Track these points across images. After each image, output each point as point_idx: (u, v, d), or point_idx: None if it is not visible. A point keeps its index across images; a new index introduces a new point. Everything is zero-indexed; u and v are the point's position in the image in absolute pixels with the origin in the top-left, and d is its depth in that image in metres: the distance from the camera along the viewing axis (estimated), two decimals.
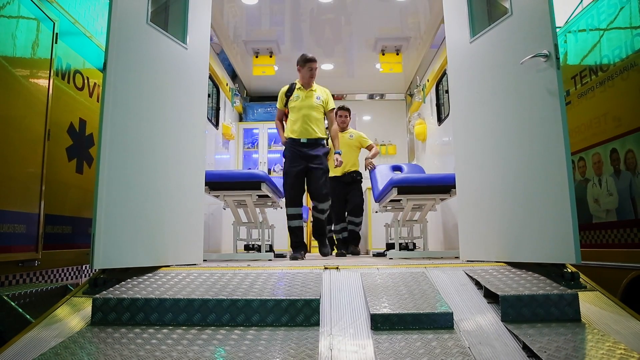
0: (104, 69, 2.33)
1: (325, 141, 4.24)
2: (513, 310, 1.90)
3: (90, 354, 1.64)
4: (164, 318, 1.93)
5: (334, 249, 5.37)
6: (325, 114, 4.24)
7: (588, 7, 3.93)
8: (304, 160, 4.05)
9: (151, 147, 2.62)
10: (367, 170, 5.13)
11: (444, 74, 5.10)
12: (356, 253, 4.99)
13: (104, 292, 2.09)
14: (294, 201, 4.12)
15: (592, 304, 2.04)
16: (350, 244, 5.09)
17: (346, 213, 5.19)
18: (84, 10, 9.18)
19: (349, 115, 5.27)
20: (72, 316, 2.04)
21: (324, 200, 4.13)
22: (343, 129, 5.14)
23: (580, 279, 2.24)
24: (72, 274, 4.34)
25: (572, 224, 2.15)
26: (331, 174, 4.87)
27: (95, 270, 2.33)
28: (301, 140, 4.05)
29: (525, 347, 1.67)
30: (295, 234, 4.14)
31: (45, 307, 2.93)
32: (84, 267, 4.50)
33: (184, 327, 1.88)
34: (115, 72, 2.37)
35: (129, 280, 2.28)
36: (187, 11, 2.96)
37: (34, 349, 1.79)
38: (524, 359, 1.62)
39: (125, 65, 2.45)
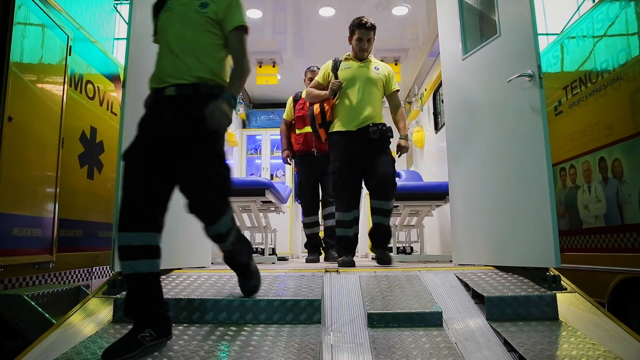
0: (123, 86, 2.52)
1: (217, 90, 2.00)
2: (497, 310, 2.09)
3: None
4: (180, 316, 2.12)
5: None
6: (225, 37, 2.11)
7: (583, 17, 4.10)
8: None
9: None
10: (398, 156, 3.49)
11: (441, 83, 5.28)
12: (387, 261, 3.23)
13: (124, 292, 2.28)
14: None
15: (570, 304, 2.23)
16: (376, 246, 3.39)
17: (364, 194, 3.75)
18: (90, 18, 9.39)
19: (374, 37, 3.49)
20: (95, 314, 2.23)
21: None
22: (363, 58, 3.47)
23: (562, 282, 2.42)
24: (82, 276, 4.52)
25: (552, 231, 2.34)
26: (339, 128, 3.32)
27: (113, 272, 2.51)
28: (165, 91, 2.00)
29: (506, 343, 1.86)
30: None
31: (61, 307, 3.12)
32: (93, 269, 4.68)
33: (198, 324, 2.08)
34: (134, 89, 2.56)
35: None
36: None
37: (62, 344, 1.97)
38: (504, 353, 1.81)
39: (142, 81, 2.64)
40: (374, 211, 3.26)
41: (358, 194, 3.39)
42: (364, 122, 3.25)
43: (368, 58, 3.50)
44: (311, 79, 3.99)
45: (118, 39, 11.50)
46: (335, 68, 3.46)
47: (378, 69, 3.45)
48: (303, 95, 4.17)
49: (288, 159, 4.37)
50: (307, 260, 4.27)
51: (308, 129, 3.95)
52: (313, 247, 4.37)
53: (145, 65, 2.67)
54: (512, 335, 1.87)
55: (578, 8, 10.67)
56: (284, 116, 4.42)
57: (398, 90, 3.55)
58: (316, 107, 3.38)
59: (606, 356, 1.65)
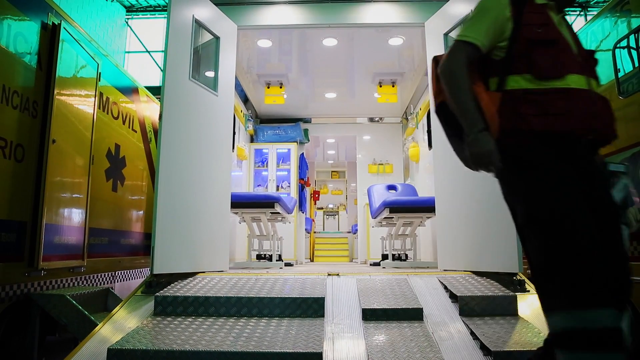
0: (160, 119, 3.02)
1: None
2: (467, 307, 2.55)
3: (159, 333, 2.30)
4: (209, 311, 2.59)
5: None
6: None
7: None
8: None
9: (192, 176, 3.30)
10: None
11: None
12: None
13: (161, 291, 2.75)
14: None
15: (530, 303, 2.69)
16: None
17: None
18: (103, 33, 9.89)
19: None
20: (138, 310, 2.70)
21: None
22: None
23: (526, 285, 2.89)
24: (107, 279, 4.99)
25: (516, 242, 2.81)
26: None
27: (150, 273, 2.99)
28: None
29: (473, 333, 2.32)
30: None
31: (94, 306, 3.60)
32: (116, 273, 5.15)
33: (224, 317, 2.55)
34: (168, 121, 3.06)
35: (176, 282, 2.94)
36: (218, 67, 3.67)
37: (114, 333, 2.44)
38: (470, 340, 2.27)
39: (174, 113, 3.15)
40: None
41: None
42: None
43: None
44: None
45: (129, 52, 12.07)
46: None
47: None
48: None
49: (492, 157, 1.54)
50: None
51: (578, 80, 1.52)
52: None
53: (175, 100, 3.17)
54: (477, 326, 2.34)
55: None
56: (471, 38, 1.61)
57: None
58: None
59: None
